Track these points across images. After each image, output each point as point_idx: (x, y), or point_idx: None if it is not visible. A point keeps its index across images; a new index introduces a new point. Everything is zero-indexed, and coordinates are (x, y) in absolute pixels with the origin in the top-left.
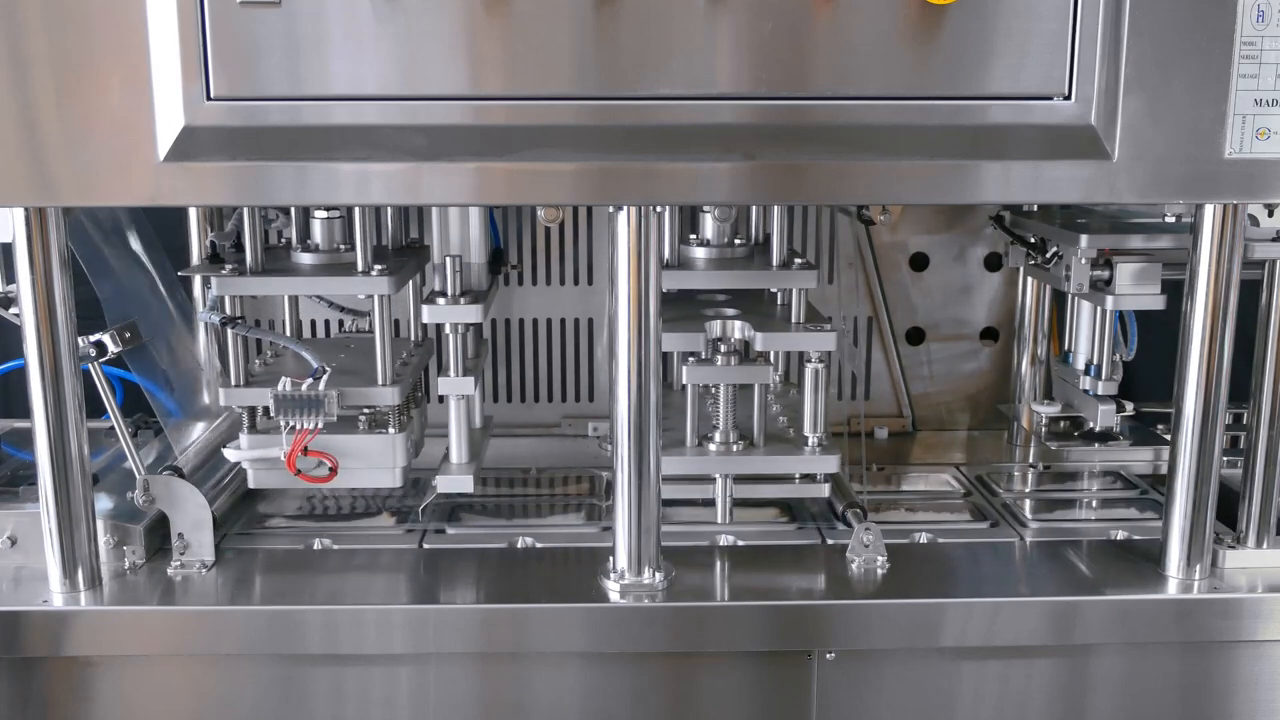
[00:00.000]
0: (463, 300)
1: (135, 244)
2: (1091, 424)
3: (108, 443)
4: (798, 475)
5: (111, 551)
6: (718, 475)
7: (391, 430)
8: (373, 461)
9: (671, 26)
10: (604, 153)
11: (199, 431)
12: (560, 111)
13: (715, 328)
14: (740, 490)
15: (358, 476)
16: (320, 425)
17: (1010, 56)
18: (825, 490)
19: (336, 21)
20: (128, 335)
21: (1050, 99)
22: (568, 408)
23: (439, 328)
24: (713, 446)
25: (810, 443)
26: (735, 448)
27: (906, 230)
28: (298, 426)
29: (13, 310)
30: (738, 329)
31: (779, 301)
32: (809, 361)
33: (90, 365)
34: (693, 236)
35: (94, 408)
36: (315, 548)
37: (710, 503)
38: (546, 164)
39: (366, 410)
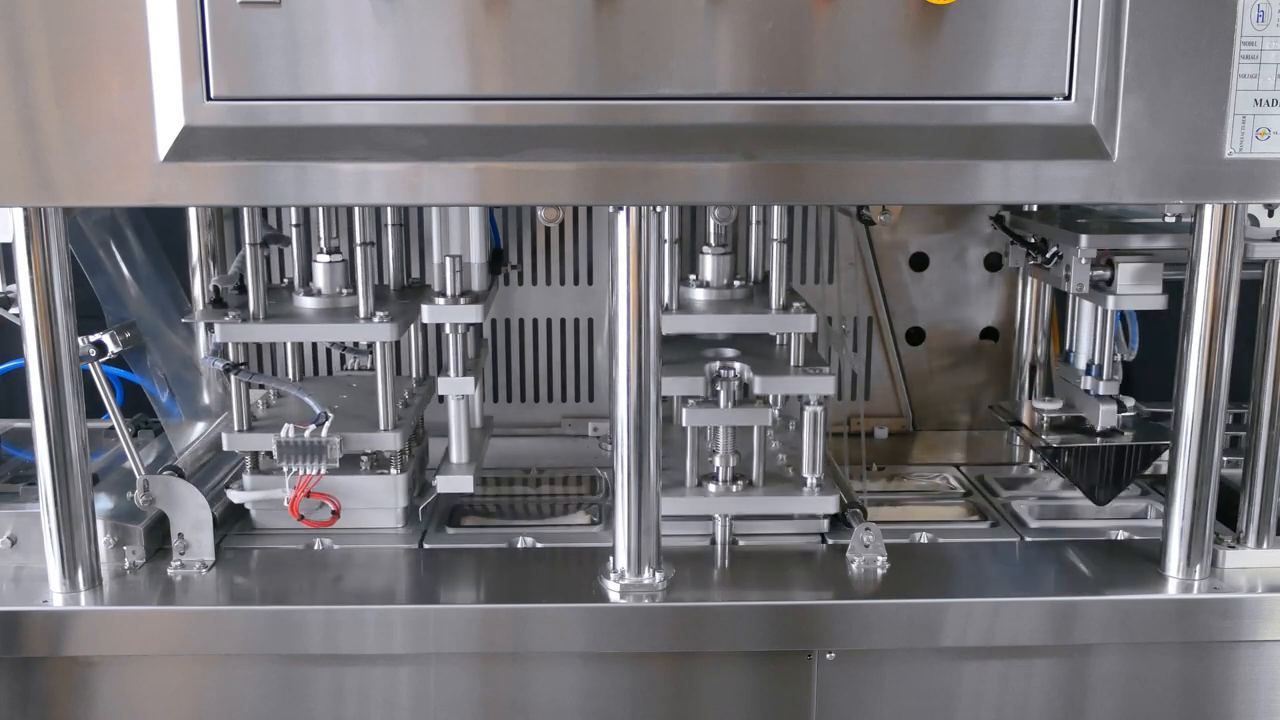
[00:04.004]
0: (463, 300)
1: (134, 243)
2: (1092, 423)
3: (108, 443)
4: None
5: (111, 551)
6: (717, 515)
7: (394, 471)
8: (375, 502)
9: (671, 26)
10: (604, 153)
11: (199, 431)
12: (560, 111)
13: (715, 369)
14: (740, 527)
15: (359, 517)
16: (323, 471)
17: (1010, 56)
18: (825, 526)
19: (336, 21)
20: (128, 335)
21: (1050, 99)
22: (568, 408)
23: (439, 327)
24: (712, 487)
25: (809, 484)
26: (734, 488)
27: (906, 230)
28: (300, 472)
29: (13, 310)
30: (737, 371)
31: (778, 341)
32: (807, 405)
33: (90, 365)
34: (692, 277)
35: (94, 408)
36: (315, 548)
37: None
38: (546, 164)
39: (369, 451)
